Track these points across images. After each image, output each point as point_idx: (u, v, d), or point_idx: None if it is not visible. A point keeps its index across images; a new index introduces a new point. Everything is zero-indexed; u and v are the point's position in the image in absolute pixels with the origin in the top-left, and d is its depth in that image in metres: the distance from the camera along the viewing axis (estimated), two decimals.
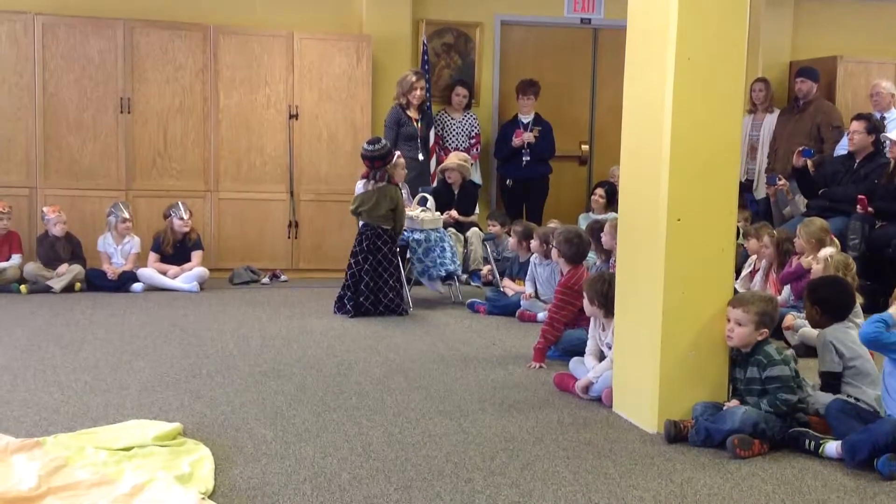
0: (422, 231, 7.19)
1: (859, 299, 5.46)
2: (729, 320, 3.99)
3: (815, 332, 4.65)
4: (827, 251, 5.71)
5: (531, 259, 6.84)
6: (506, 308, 6.87)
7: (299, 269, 8.71)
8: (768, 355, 3.93)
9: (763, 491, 3.40)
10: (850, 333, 4.24)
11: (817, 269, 5.60)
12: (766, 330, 3.97)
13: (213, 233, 8.52)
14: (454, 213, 8.32)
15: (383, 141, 6.94)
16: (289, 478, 3.42)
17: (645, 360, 4.12)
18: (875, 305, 6.29)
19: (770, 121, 9.07)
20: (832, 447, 3.70)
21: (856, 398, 4.03)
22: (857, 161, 7.68)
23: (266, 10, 8.88)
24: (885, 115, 8.29)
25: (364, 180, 6.86)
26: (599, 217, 7.95)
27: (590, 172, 10.03)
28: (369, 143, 6.85)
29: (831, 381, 4.18)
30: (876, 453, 3.56)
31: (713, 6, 3.97)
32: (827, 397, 4.04)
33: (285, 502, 3.18)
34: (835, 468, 3.64)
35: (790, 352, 4.16)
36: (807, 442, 3.78)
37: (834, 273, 5.35)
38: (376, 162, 6.75)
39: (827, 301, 4.32)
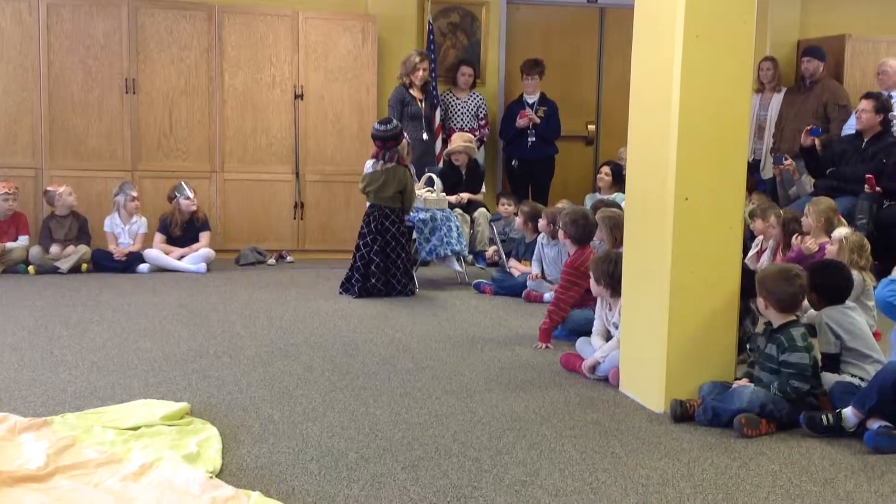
0: (427, 211, 7.17)
1: (873, 281, 5.44)
2: None
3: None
4: (842, 232, 5.66)
5: (538, 239, 6.82)
6: (512, 289, 6.86)
7: (305, 250, 8.71)
8: (791, 339, 3.89)
9: (770, 470, 3.40)
10: (848, 315, 4.22)
11: (832, 251, 5.57)
12: (792, 316, 3.96)
13: (219, 214, 8.51)
14: (464, 194, 8.31)
15: (395, 122, 6.89)
16: (296, 457, 3.42)
17: (652, 340, 4.11)
18: None
19: (778, 100, 9.02)
20: (849, 411, 3.70)
21: (860, 378, 4.03)
22: (866, 140, 7.64)
23: None
24: (892, 93, 8.23)
25: (373, 160, 6.82)
26: (605, 197, 7.93)
27: (596, 153, 9.99)
28: (381, 123, 6.82)
29: (828, 362, 4.17)
30: (883, 394, 3.58)
31: None
32: (834, 377, 4.04)
33: (292, 481, 3.19)
34: (842, 448, 3.64)
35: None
36: (824, 419, 3.75)
37: (849, 254, 5.33)
38: (388, 142, 6.72)
39: (824, 286, 4.30)
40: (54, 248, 7.56)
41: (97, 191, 8.21)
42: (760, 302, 4.01)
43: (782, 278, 3.97)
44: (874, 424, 3.65)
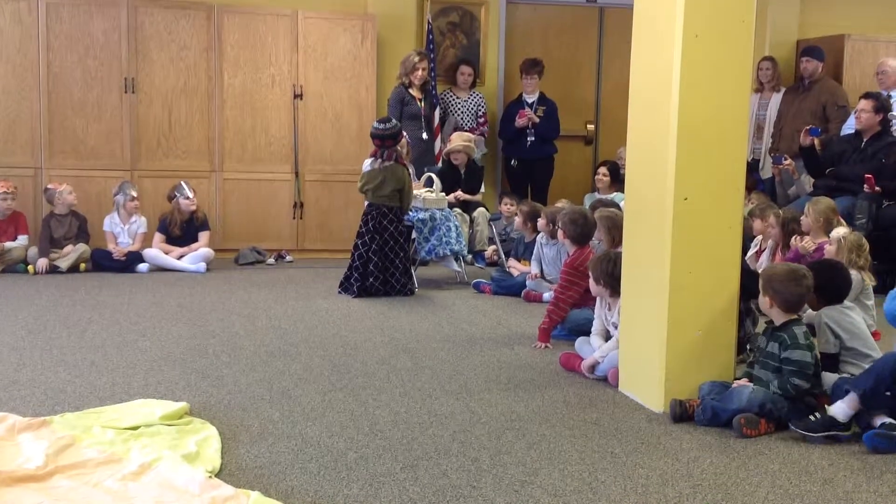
0: (426, 210, 7.17)
1: (872, 281, 5.45)
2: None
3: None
4: (841, 231, 5.67)
5: (537, 239, 6.82)
6: (511, 288, 6.86)
7: (304, 250, 8.71)
8: (794, 337, 3.88)
9: (769, 470, 3.40)
10: (847, 314, 4.22)
11: (830, 250, 5.57)
12: (794, 316, 3.96)
13: (219, 213, 8.51)
14: (460, 193, 8.31)
15: (394, 121, 6.90)
16: (295, 457, 3.42)
17: (651, 340, 4.11)
18: (883, 285, 6.28)
19: (777, 100, 9.03)
20: (839, 405, 3.70)
21: None
22: (865, 140, 7.63)
23: None
24: (892, 93, 8.23)
25: (371, 158, 6.83)
26: (604, 197, 7.93)
27: (595, 152, 9.99)
28: (380, 121, 6.82)
29: (828, 362, 4.17)
30: (880, 380, 3.59)
31: None
32: (833, 377, 4.04)
33: (292, 481, 3.19)
34: (842, 447, 3.64)
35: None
36: (812, 417, 3.76)
37: (847, 254, 5.33)
38: (387, 141, 6.71)
39: (823, 286, 4.28)
40: (41, 262, 7.44)
41: (96, 190, 8.20)
42: (765, 301, 3.99)
43: (791, 279, 3.96)
44: (877, 422, 3.66)
